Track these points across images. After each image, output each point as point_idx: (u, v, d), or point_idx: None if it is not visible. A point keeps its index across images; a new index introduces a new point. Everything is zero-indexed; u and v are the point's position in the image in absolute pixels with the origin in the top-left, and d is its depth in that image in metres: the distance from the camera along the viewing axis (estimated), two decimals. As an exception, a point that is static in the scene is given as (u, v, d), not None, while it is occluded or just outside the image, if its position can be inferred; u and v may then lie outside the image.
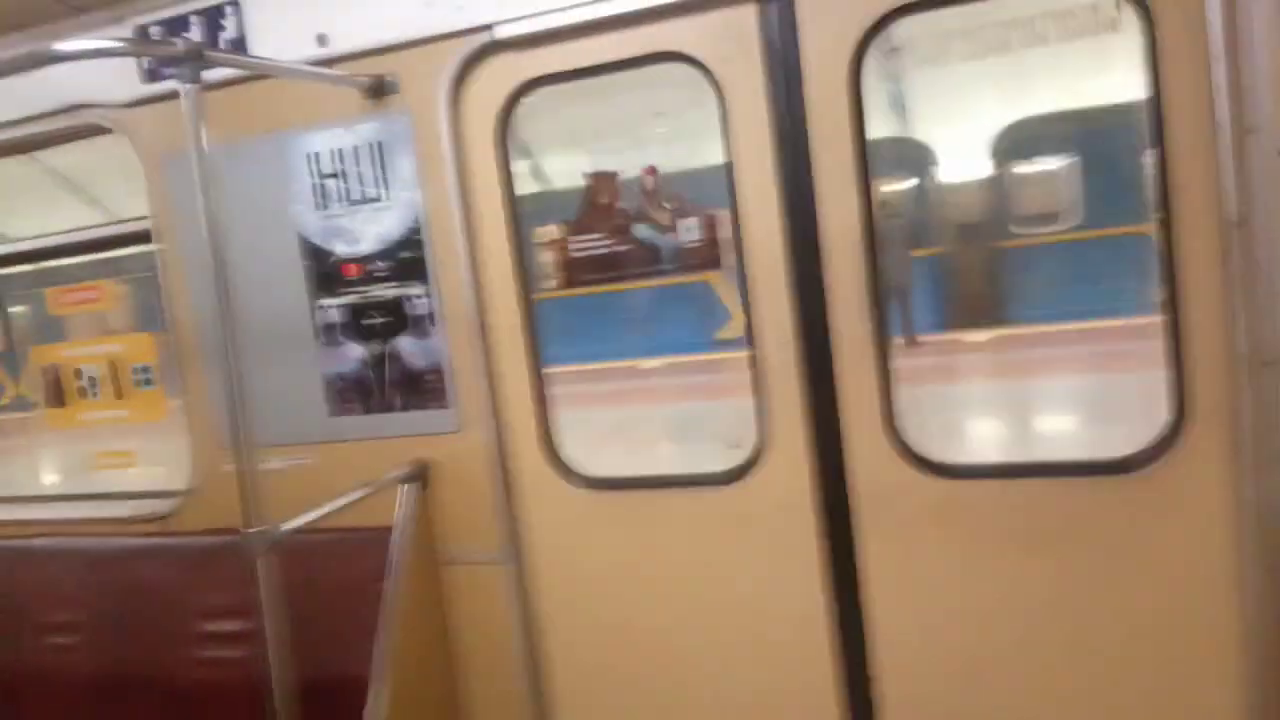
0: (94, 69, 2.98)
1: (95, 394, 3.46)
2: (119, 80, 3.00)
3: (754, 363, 2.58)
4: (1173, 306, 2.20)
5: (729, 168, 2.52)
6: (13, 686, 3.12)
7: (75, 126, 3.17)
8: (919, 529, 2.47)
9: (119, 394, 3.45)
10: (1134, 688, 2.36)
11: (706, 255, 2.63)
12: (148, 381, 3.39)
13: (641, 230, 2.66)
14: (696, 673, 2.75)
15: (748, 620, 2.67)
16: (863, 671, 2.58)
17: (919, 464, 2.47)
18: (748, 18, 2.45)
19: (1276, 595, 2.15)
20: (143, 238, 3.18)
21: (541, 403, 2.80)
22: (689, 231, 2.62)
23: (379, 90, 2.73)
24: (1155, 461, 2.25)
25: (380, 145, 2.77)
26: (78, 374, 3.48)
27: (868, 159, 2.42)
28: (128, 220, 3.30)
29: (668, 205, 2.63)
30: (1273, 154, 1.96)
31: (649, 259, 2.68)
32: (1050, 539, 2.36)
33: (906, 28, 2.35)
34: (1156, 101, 2.14)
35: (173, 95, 2.90)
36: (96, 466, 3.67)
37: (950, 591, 2.47)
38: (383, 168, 2.78)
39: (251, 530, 2.13)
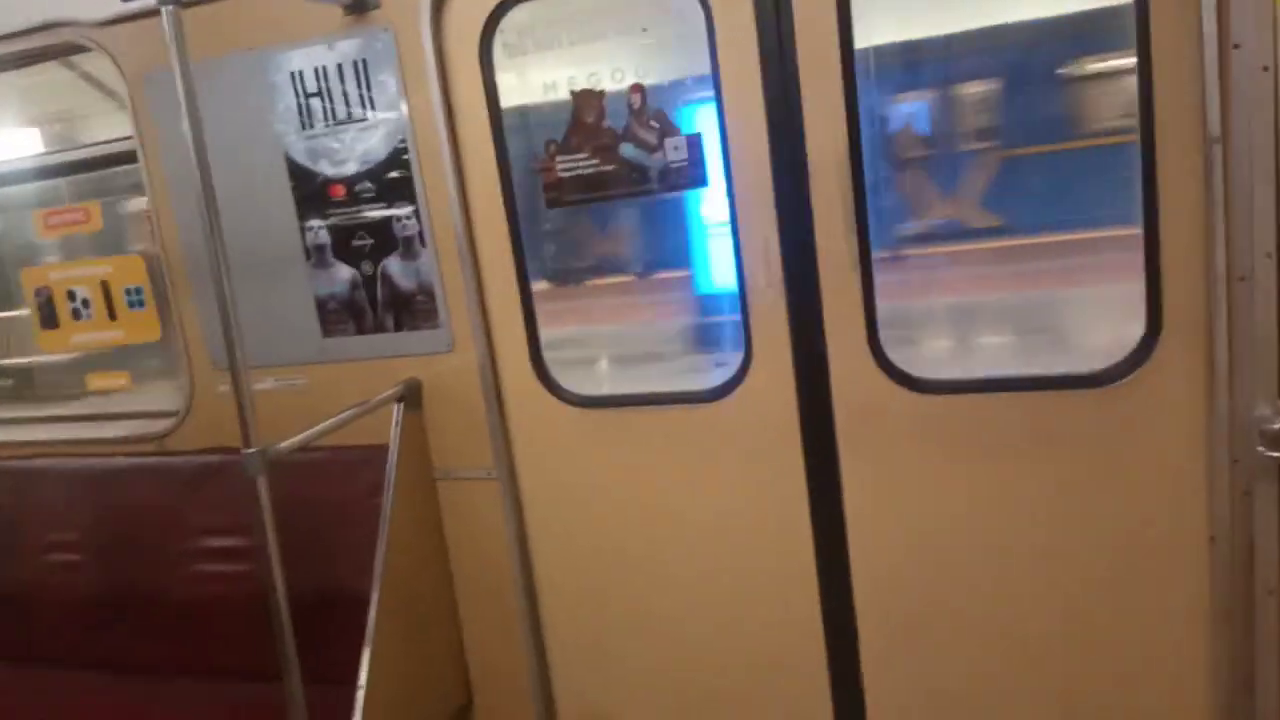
0: None
1: (89, 315, 3.48)
2: None
3: (740, 280, 2.60)
4: (1150, 220, 2.23)
5: (715, 86, 2.51)
6: (18, 604, 3.21)
7: (52, 45, 3.12)
8: (899, 443, 2.54)
9: (112, 315, 3.47)
10: (1105, 592, 2.45)
11: (693, 175, 2.63)
12: (140, 303, 3.41)
13: (628, 149, 2.65)
14: (682, 584, 2.84)
15: (732, 533, 2.75)
16: (844, 581, 2.67)
17: (900, 379, 2.52)
18: None
19: (1243, 504, 2.22)
20: (125, 158, 3.16)
21: (531, 321, 2.83)
22: (676, 151, 2.61)
23: (360, 6, 2.69)
24: (1129, 375, 2.30)
25: (364, 63, 2.74)
26: (70, 296, 3.50)
27: (854, 77, 2.41)
28: (110, 141, 3.27)
29: (655, 124, 2.62)
30: (1257, 70, 1.96)
31: (636, 178, 2.67)
32: (1025, 451, 2.43)
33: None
34: (1143, 13, 2.13)
35: (153, 12, 2.85)
36: (89, 388, 3.71)
37: (928, 503, 2.55)
38: (367, 86, 2.76)
39: (249, 450, 2.17)
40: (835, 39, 2.38)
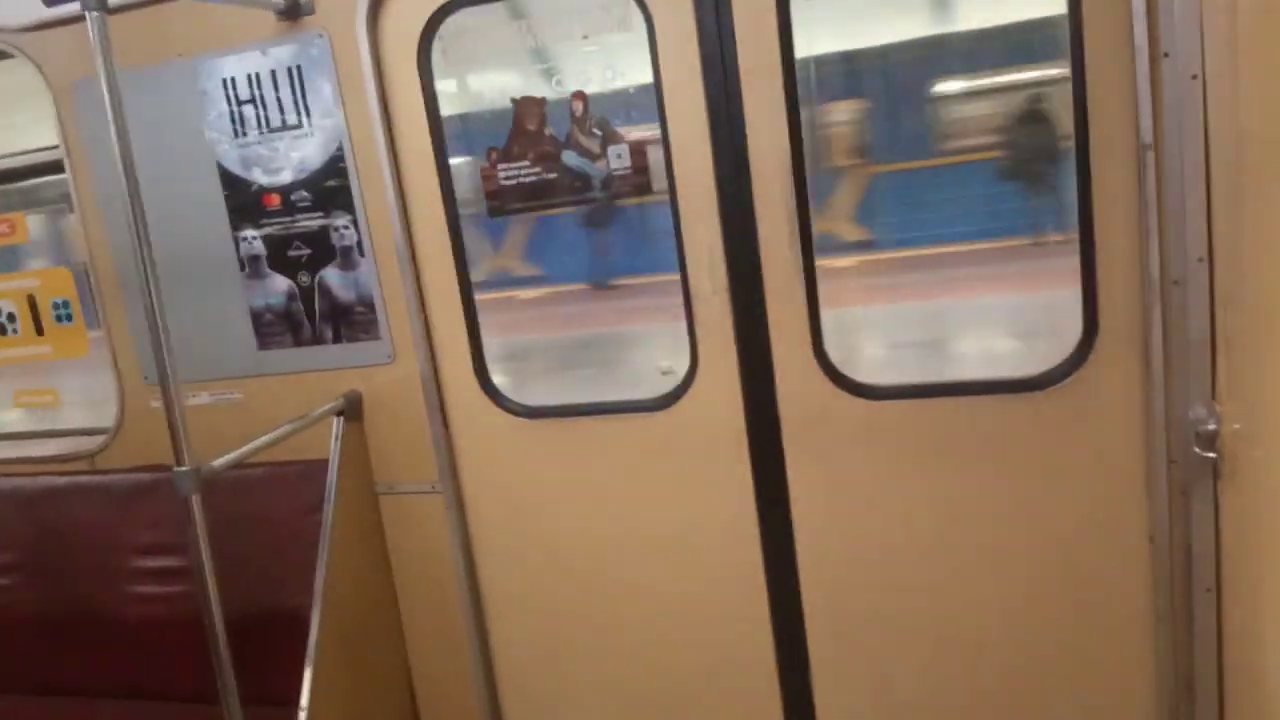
0: None
1: (15, 331, 3.36)
2: (20, 4, 2.85)
3: (685, 288, 2.59)
4: (1085, 226, 2.26)
5: (657, 93, 2.49)
6: (-51, 627, 3.09)
7: None
8: (843, 448, 2.55)
9: (39, 330, 3.35)
10: (1048, 594, 2.49)
11: (636, 182, 2.61)
12: (68, 317, 3.30)
13: (570, 157, 2.63)
14: (631, 594, 2.83)
15: (681, 541, 2.74)
16: (793, 586, 2.68)
17: (845, 385, 2.53)
18: None
19: (1181, 504, 2.26)
20: (52, 168, 3.06)
21: (473, 331, 2.79)
22: (618, 159, 2.60)
23: (293, 11, 2.63)
24: (1066, 378, 2.34)
25: (298, 69, 2.68)
26: (-7, 310, 3.38)
27: (795, 83, 2.41)
28: (36, 150, 3.17)
29: (597, 132, 2.60)
30: (1186, 78, 1.99)
31: (578, 187, 2.65)
32: (967, 454, 2.46)
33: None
34: (1075, 23, 2.17)
35: (79, 19, 2.77)
36: (15, 405, 3.58)
37: (872, 507, 2.56)
38: (301, 93, 2.70)
39: (181, 469, 2.11)
40: (776, 45, 2.38)
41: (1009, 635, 2.54)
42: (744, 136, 2.45)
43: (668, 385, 2.68)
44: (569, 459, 2.79)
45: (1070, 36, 2.18)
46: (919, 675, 2.64)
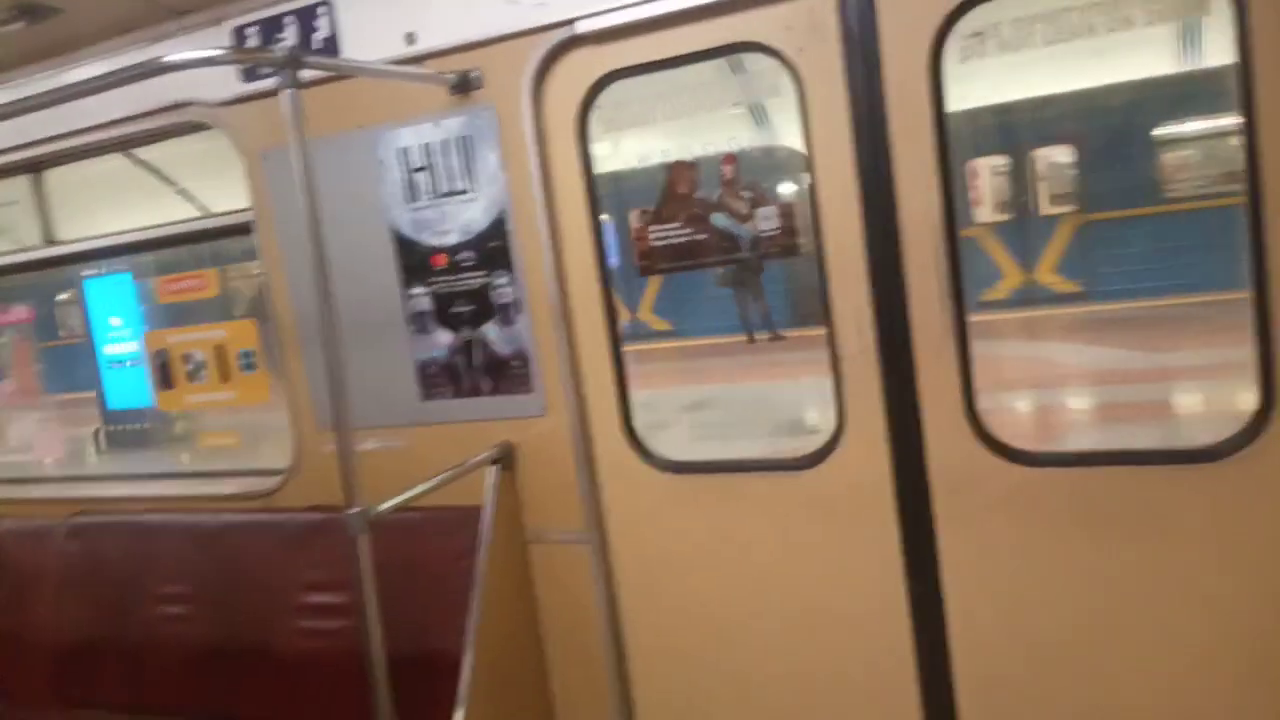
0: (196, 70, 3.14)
1: (202, 378, 3.67)
2: (219, 79, 3.15)
3: (831, 348, 2.60)
4: (1260, 287, 2.15)
5: (808, 157, 2.54)
6: (132, 653, 3.34)
7: (178, 123, 3.34)
8: (998, 515, 2.48)
9: (224, 377, 3.64)
10: (1221, 680, 2.33)
11: (784, 243, 2.65)
12: (251, 365, 3.57)
13: (719, 219, 2.70)
14: (773, 651, 2.80)
15: (825, 603, 2.71)
16: (941, 656, 2.60)
17: (999, 450, 2.46)
18: (826, 6, 2.46)
19: None
20: (241, 229, 3.34)
21: (622, 386, 2.87)
22: (767, 220, 2.65)
23: (464, 86, 2.82)
24: (1240, 450, 2.21)
25: (466, 140, 2.86)
26: (185, 359, 3.69)
27: (948, 141, 2.41)
28: (228, 213, 3.47)
29: (746, 194, 2.66)
30: None
31: (727, 247, 2.71)
32: (1131, 527, 2.34)
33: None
34: (1246, 75, 2.09)
35: (270, 93, 3.04)
36: (202, 446, 3.88)
37: (1029, 578, 2.47)
38: (469, 161, 2.88)
39: (352, 510, 2.24)
40: (928, 103, 2.39)
41: None
42: (893, 195, 2.46)
43: (814, 444, 2.68)
44: (713, 514, 2.81)
45: (1240, 88, 2.11)
46: None
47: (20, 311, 4.18)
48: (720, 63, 2.67)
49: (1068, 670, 2.47)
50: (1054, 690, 2.49)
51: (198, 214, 3.64)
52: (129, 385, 4.08)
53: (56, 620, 3.49)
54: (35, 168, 3.77)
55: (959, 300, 2.45)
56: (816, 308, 2.58)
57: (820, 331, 2.59)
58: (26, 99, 2.30)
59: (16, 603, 3.60)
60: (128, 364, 4.03)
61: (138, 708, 3.32)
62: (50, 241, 3.86)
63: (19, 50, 3.33)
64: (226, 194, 3.48)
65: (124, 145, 3.57)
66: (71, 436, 4.25)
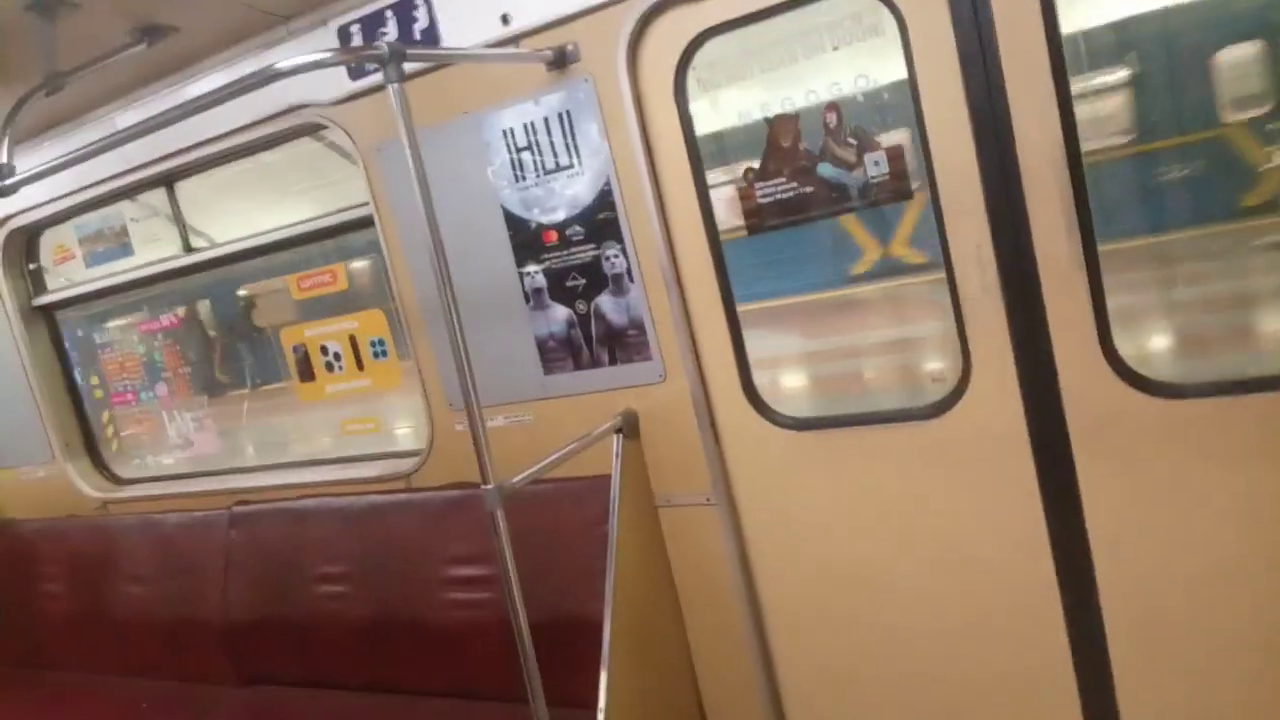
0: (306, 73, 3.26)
1: (340, 368, 3.85)
2: (329, 80, 3.26)
3: (951, 289, 2.53)
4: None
5: (913, 94, 2.46)
6: (299, 629, 3.56)
7: (295, 126, 3.48)
8: (1143, 452, 2.37)
9: (359, 366, 3.81)
10: None
11: (895, 188, 2.58)
12: (383, 353, 3.73)
13: (826, 169, 2.65)
14: (912, 602, 2.78)
15: (963, 551, 2.66)
16: (1089, 596, 2.52)
17: (1139, 384, 2.36)
18: None
19: None
20: (363, 223, 3.47)
21: (739, 346, 2.86)
22: (876, 166, 2.58)
23: (561, 60, 2.84)
24: None
25: (567, 114, 2.89)
26: (323, 350, 3.87)
27: (1065, 67, 2.29)
28: (347, 209, 3.60)
29: (852, 141, 2.60)
30: None
31: (836, 197, 2.66)
32: None
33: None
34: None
35: (377, 88, 3.13)
36: (343, 433, 4.07)
37: (1177, 513, 2.37)
38: (571, 135, 2.90)
39: (488, 486, 2.31)
40: (1041, 29, 2.28)
41: None
42: (1009, 127, 2.36)
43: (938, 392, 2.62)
44: (839, 470, 2.79)
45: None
46: (1234, 693, 2.40)
47: (169, 318, 4.45)
48: (814, 9, 2.60)
49: (1221, 603, 2.37)
50: (1209, 623, 2.39)
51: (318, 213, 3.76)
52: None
53: (227, 604, 3.75)
54: (167, 181, 4.00)
55: (1088, 231, 2.34)
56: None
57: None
58: (155, 117, 2.43)
59: (190, 590, 3.88)
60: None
61: (307, 681, 3.54)
62: (189, 249, 4.09)
63: (141, 71, 3.52)
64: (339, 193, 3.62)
65: (247, 152, 3.74)
66: (223, 431, 4.52)
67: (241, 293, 4.24)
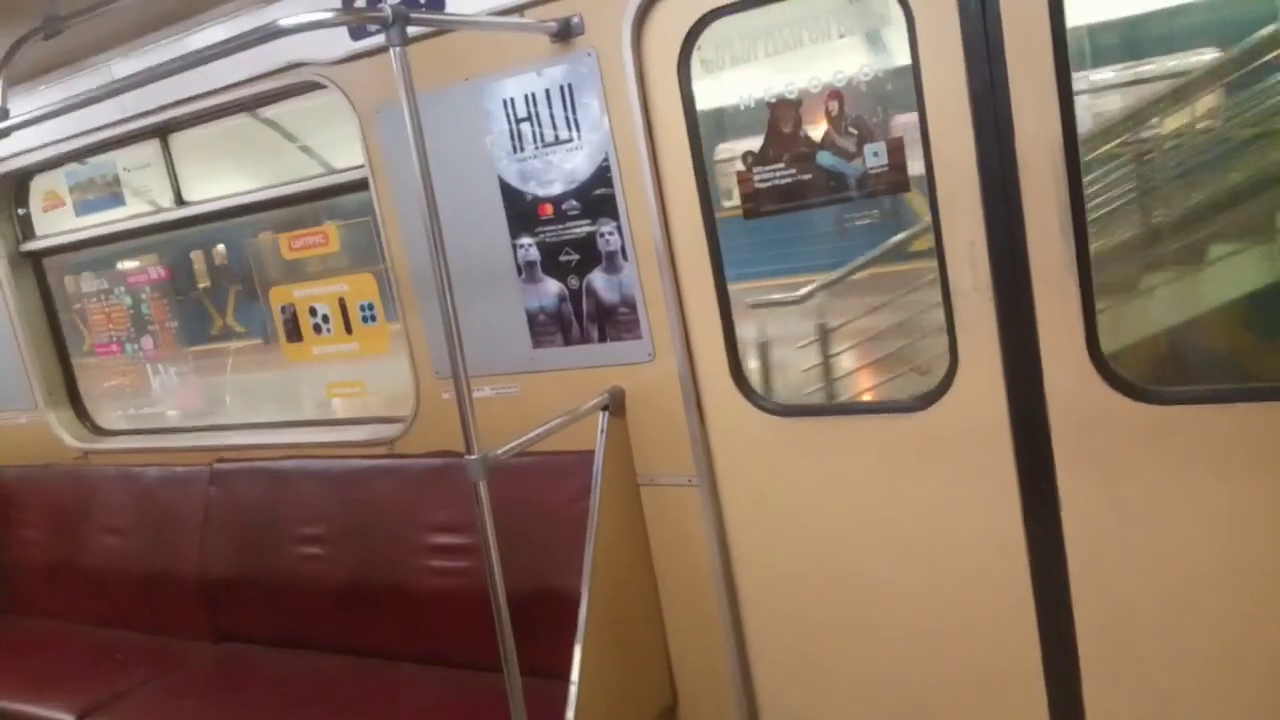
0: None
1: (328, 330, 3.84)
2: (331, 39, 3.22)
3: (944, 284, 2.54)
4: None
5: (916, 84, 2.45)
6: (275, 589, 3.58)
7: (294, 84, 3.44)
8: (1124, 456, 2.39)
9: (347, 329, 3.80)
10: None
11: (894, 180, 2.58)
12: (372, 317, 3.71)
13: (825, 158, 2.64)
14: (887, 594, 2.80)
15: (940, 545, 2.68)
16: (1062, 598, 2.55)
17: (1125, 389, 2.37)
18: None
19: None
20: (357, 185, 3.44)
21: (729, 330, 2.87)
22: (875, 157, 2.58)
23: (565, 32, 2.82)
24: None
25: (569, 87, 2.87)
26: (311, 312, 3.86)
27: (1068, 63, 2.29)
28: (343, 170, 3.57)
29: (853, 131, 2.59)
30: None
31: (834, 187, 2.66)
32: (1269, 465, 2.23)
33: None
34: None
35: (379, 50, 3.10)
36: (329, 396, 4.07)
37: (1157, 519, 2.39)
38: (572, 109, 2.89)
39: (472, 456, 2.32)
40: (1046, 23, 2.27)
41: None
42: (1010, 122, 2.36)
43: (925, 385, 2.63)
44: (823, 458, 2.81)
45: None
46: (1202, 700, 2.43)
47: (157, 271, 4.43)
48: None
49: (1196, 613, 2.39)
50: (1181, 633, 2.42)
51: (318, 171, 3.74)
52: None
53: (203, 560, 3.76)
54: (162, 132, 3.96)
55: (1081, 232, 2.34)
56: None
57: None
58: (153, 67, 2.40)
59: (167, 544, 3.89)
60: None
61: (280, 640, 3.56)
62: (180, 202, 4.06)
63: (141, 19, 3.47)
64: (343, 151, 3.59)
65: (244, 107, 3.71)
66: (207, 385, 4.51)
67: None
